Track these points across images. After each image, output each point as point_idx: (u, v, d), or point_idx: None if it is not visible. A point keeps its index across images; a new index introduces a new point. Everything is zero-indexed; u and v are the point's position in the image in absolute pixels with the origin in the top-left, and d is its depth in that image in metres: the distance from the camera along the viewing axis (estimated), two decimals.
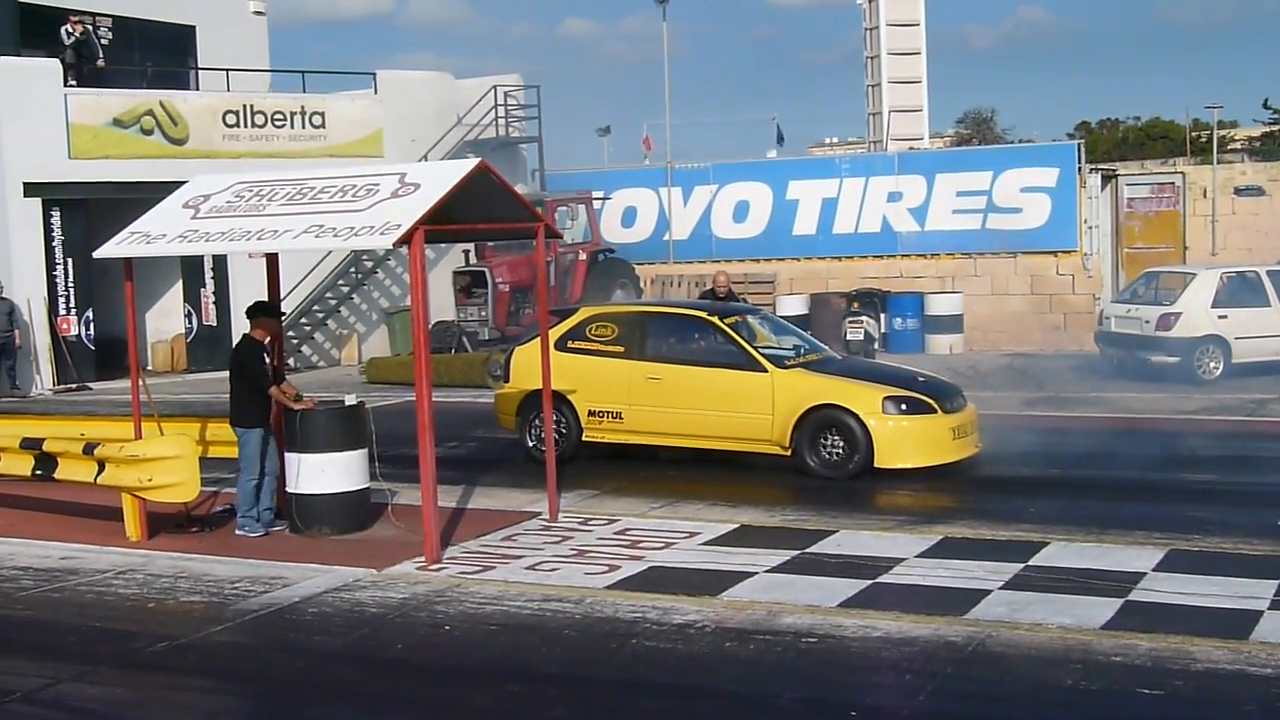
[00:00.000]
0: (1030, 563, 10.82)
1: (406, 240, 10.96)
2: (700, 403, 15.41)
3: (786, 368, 15.33)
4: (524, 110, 33.14)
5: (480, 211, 12.44)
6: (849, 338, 25.53)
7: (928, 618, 9.41)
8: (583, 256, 28.68)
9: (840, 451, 14.67)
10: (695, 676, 8.57)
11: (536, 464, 15.41)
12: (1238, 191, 43.51)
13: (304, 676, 9.05)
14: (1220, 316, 22.12)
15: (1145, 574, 10.37)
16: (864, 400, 14.69)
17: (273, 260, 13.76)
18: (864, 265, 30.52)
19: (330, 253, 28.01)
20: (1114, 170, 34.85)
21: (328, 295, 29.98)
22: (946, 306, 28.50)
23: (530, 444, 16.35)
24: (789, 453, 14.96)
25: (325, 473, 12.37)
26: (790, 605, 9.84)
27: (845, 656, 8.78)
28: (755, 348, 15.52)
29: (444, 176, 11.85)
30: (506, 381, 16.88)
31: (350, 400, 12.71)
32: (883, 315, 28.16)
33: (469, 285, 27.90)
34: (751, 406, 15.11)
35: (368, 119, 30.83)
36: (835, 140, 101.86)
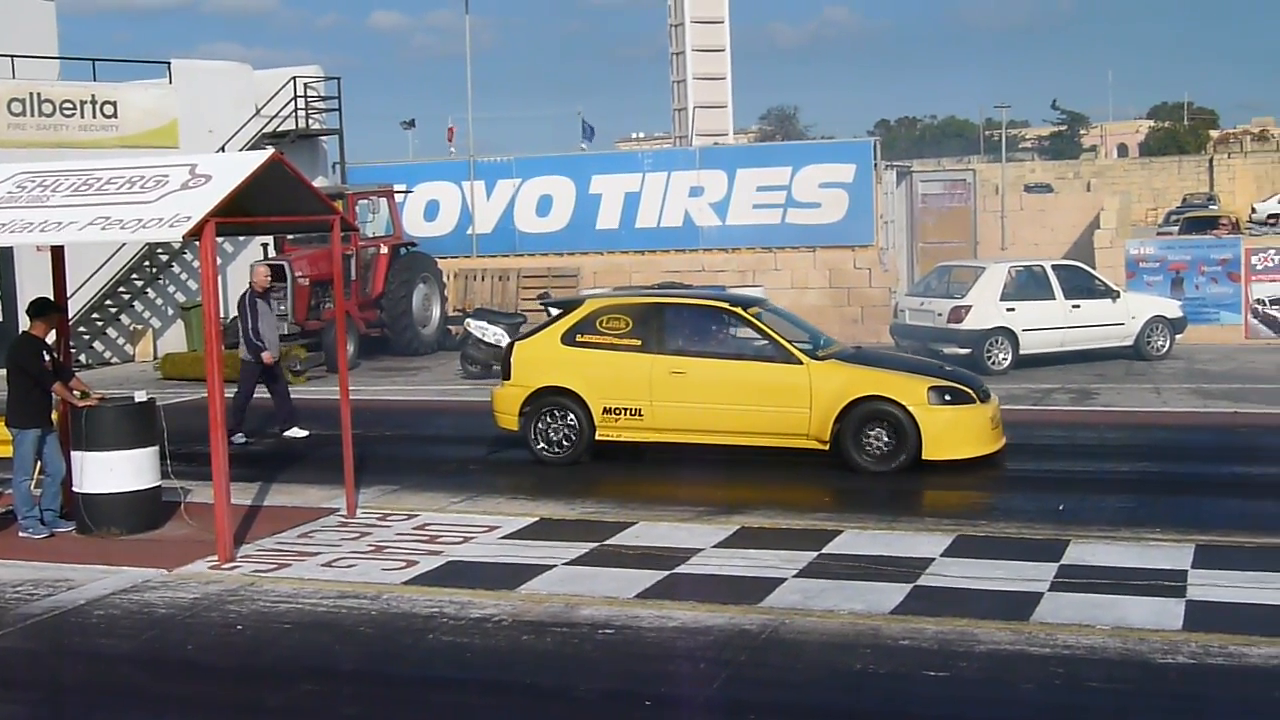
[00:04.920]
0: (824, 551, 11.04)
1: (196, 233, 10.72)
2: (731, 397, 14.79)
3: (820, 359, 14.85)
4: (325, 102, 32.67)
5: (275, 204, 12.24)
6: None
7: (723, 607, 9.55)
8: (384, 250, 28.31)
9: (886, 444, 14.35)
10: (492, 670, 8.57)
11: (545, 466, 15.20)
12: (1027, 189, 44.87)
13: (90, 681, 8.82)
14: (1008, 309, 22.88)
15: (934, 559, 10.68)
16: (909, 391, 14.36)
17: (58, 253, 13.34)
18: (666, 259, 30.68)
19: (123, 246, 27.24)
20: (909, 167, 35.64)
21: (121, 289, 29.13)
22: None
23: (539, 445, 15.40)
24: (827, 447, 14.53)
25: (114, 471, 12.04)
26: (588, 597, 9.89)
27: (642, 647, 8.86)
28: (787, 339, 15.03)
29: (236, 168, 11.62)
30: (507, 379, 15.79)
31: (140, 396, 12.42)
32: None
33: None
34: (787, 400, 14.60)
35: (162, 109, 30.03)
36: (642, 135, 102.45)
